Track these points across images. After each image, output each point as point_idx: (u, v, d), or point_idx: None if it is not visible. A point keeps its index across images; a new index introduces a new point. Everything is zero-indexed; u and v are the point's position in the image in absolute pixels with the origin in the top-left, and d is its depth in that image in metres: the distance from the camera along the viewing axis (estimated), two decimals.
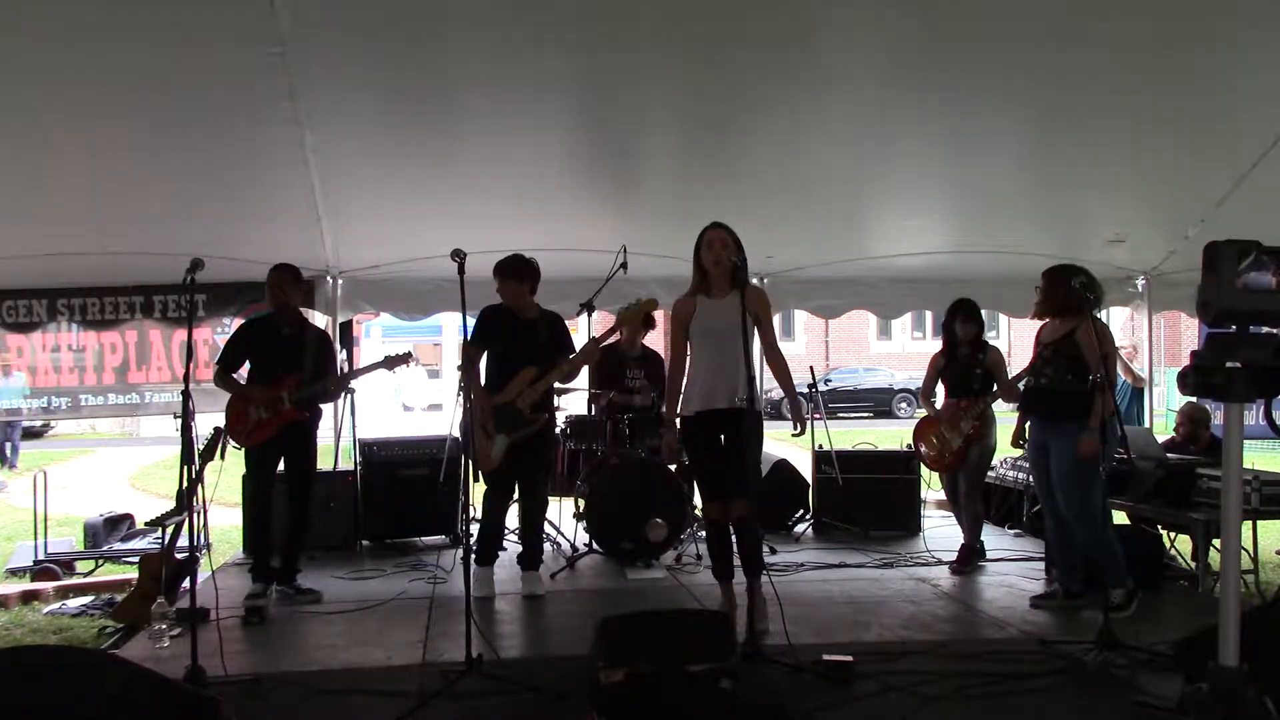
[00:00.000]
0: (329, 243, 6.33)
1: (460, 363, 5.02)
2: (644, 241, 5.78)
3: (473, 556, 4.73)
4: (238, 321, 6.89)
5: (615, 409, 6.38)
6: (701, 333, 4.41)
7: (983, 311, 6.05)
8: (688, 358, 4.51)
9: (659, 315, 7.11)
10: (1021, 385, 5.27)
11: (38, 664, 2.96)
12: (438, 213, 5.87)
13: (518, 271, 5.20)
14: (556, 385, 5.42)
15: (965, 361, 5.80)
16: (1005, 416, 5.98)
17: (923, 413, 6.27)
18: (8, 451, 14.31)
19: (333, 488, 6.42)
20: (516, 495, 5.40)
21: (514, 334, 5.17)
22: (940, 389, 6.08)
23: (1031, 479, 6.50)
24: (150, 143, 4.96)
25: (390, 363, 5.30)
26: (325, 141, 5.02)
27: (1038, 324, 5.08)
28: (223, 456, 4.75)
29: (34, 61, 4.18)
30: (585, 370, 6.65)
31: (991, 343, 6.07)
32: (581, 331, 8.99)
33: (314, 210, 5.77)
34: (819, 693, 3.65)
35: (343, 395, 6.12)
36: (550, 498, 6.76)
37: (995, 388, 5.71)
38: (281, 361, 5.15)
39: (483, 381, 5.24)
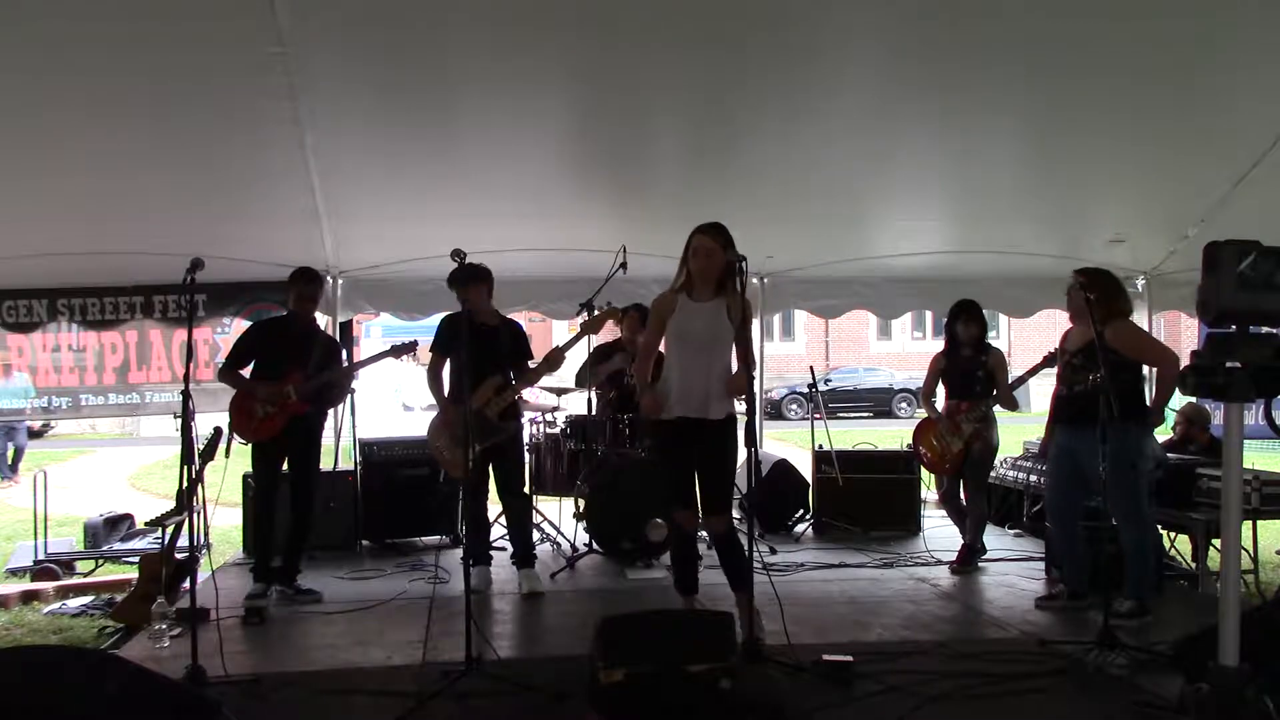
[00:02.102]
0: (329, 243, 6.34)
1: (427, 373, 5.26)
2: (644, 241, 5.78)
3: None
4: (238, 321, 6.90)
5: (614, 406, 6.38)
6: (679, 335, 4.23)
7: (984, 312, 6.05)
8: (660, 354, 4.39)
9: None
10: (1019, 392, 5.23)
11: (38, 664, 2.96)
12: (438, 213, 5.87)
13: (477, 275, 5.24)
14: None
15: (967, 363, 5.80)
16: (1004, 418, 5.98)
17: (922, 413, 6.26)
18: (8, 458, 13.30)
19: (333, 488, 6.42)
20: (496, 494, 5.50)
21: (475, 341, 5.19)
22: (941, 390, 6.08)
23: (1032, 479, 6.56)
24: (150, 143, 4.96)
25: (397, 351, 5.33)
26: (325, 141, 5.02)
27: (1033, 324, 5.06)
28: (227, 455, 4.75)
29: (34, 62, 4.18)
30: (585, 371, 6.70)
31: (993, 344, 6.07)
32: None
33: (314, 210, 5.77)
34: (819, 693, 3.65)
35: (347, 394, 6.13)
36: (550, 497, 6.80)
37: (995, 392, 5.71)
38: (289, 358, 5.18)
39: (446, 388, 5.35)
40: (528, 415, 6.44)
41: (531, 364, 5.34)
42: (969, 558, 5.84)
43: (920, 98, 4.97)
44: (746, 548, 4.09)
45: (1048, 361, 5.39)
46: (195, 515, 3.87)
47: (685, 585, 4.41)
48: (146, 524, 6.96)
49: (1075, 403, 4.76)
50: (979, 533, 5.93)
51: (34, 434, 18.34)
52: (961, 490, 5.99)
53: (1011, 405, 5.75)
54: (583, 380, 6.55)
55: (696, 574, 4.43)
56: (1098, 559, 4.69)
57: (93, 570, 6.92)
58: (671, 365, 4.29)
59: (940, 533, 6.48)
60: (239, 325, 6.65)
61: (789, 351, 27.48)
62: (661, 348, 4.40)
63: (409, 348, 5.37)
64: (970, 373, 5.77)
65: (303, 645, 4.48)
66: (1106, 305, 4.65)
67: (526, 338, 5.50)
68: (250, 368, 5.28)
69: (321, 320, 6.68)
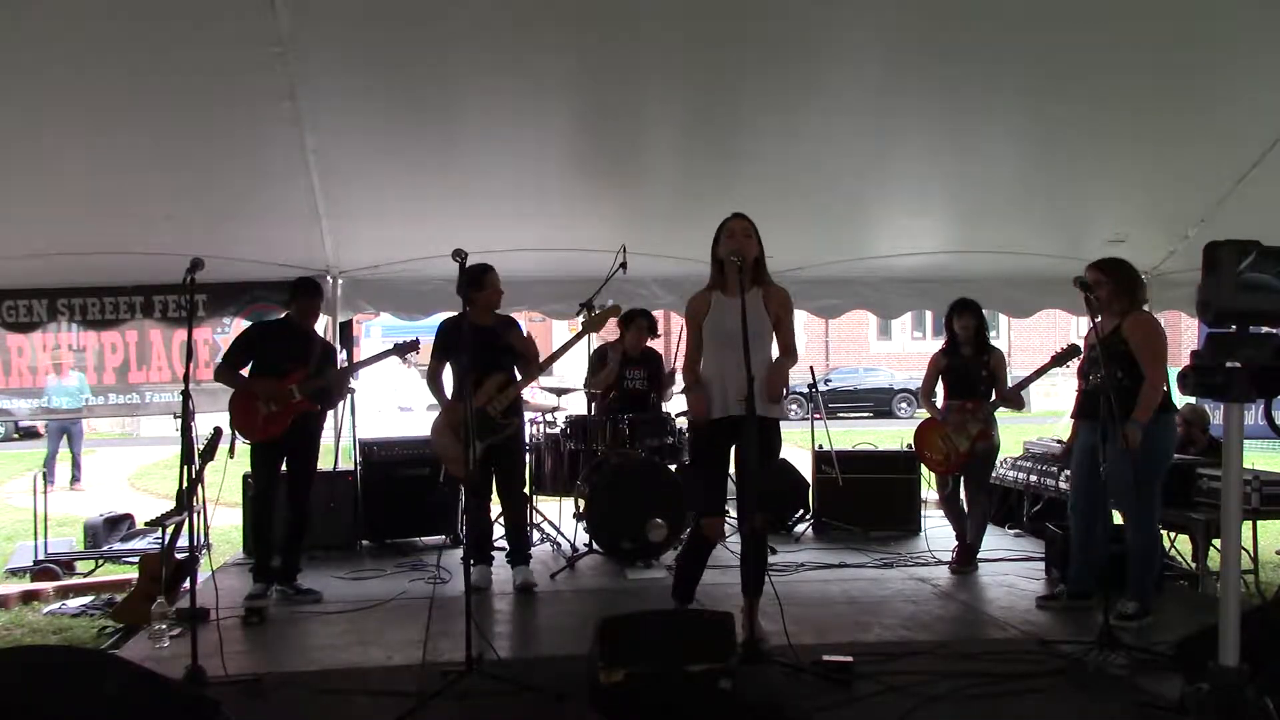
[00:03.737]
0: (329, 243, 6.33)
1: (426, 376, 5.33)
2: (644, 241, 5.78)
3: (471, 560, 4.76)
4: (238, 321, 6.90)
5: (615, 408, 6.38)
6: (713, 333, 4.13)
7: (984, 311, 6.05)
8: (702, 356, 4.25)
9: (659, 316, 7.12)
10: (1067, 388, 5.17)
11: (38, 664, 2.96)
12: (438, 212, 5.86)
13: (486, 275, 5.28)
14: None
15: (968, 363, 5.80)
16: (1004, 418, 5.98)
17: (923, 413, 6.25)
18: (57, 460, 12.11)
19: (333, 488, 6.42)
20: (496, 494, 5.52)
21: (475, 342, 5.19)
22: (940, 389, 6.07)
23: (1033, 479, 6.56)
24: (150, 142, 4.96)
25: (400, 350, 5.34)
26: (325, 141, 5.01)
27: (1033, 324, 5.05)
28: (231, 456, 4.76)
29: (34, 62, 4.18)
30: (584, 370, 6.72)
31: (994, 344, 6.07)
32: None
33: (314, 210, 5.76)
34: (819, 693, 3.65)
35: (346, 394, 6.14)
36: (550, 497, 6.80)
37: (994, 395, 5.70)
38: (290, 358, 5.20)
39: (448, 390, 5.36)
40: (528, 415, 6.45)
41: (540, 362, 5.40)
42: (968, 558, 5.84)
43: (920, 97, 4.97)
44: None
45: (1056, 361, 5.37)
46: (195, 515, 3.87)
47: (684, 595, 4.30)
48: (146, 524, 6.95)
49: (1092, 398, 4.70)
50: (981, 532, 5.93)
51: (34, 433, 18.33)
52: (962, 490, 5.99)
53: (1017, 405, 5.74)
54: (591, 389, 6.54)
55: (696, 587, 4.32)
56: (1104, 559, 4.67)
57: (93, 570, 6.92)
58: (709, 365, 4.18)
59: (940, 533, 6.48)
60: (239, 325, 6.65)
61: None
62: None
63: (412, 346, 5.39)
64: (972, 373, 5.77)
65: (303, 645, 4.48)
66: (1128, 296, 4.63)
67: (522, 334, 5.52)
68: (249, 368, 5.28)
69: (321, 320, 6.68)
